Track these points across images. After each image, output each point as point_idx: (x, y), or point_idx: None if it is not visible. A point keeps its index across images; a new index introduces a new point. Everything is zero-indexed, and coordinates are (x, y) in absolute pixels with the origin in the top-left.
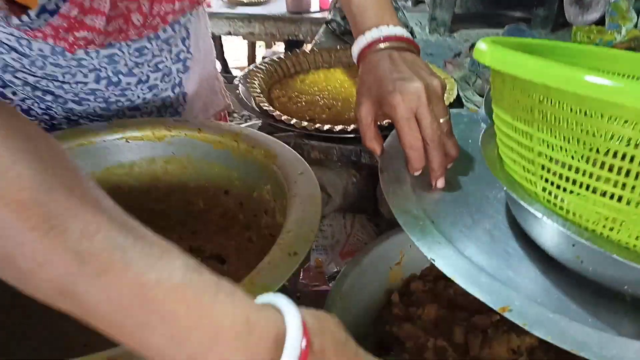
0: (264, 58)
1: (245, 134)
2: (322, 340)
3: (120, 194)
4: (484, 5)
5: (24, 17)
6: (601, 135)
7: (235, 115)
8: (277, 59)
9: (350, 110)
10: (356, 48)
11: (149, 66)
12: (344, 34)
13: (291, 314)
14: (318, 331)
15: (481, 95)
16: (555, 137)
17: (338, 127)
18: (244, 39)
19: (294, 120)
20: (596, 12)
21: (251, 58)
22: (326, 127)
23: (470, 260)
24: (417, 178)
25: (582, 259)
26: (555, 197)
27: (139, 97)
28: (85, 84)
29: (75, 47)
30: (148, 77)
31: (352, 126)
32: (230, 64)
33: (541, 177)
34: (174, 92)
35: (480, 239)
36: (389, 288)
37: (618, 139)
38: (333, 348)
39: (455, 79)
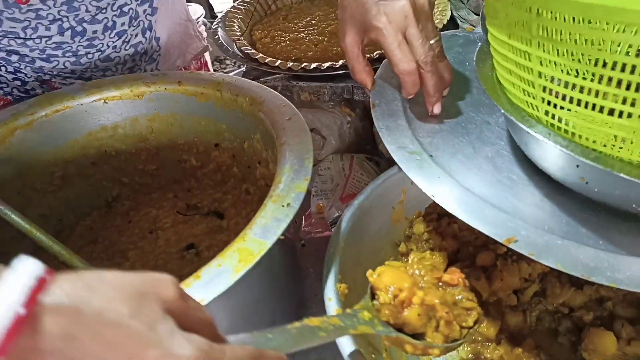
0: None
1: (228, 82)
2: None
3: (108, 157)
4: None
5: None
6: (607, 48)
7: (227, 62)
8: None
9: (338, 44)
10: None
11: (112, 10)
12: None
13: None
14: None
15: (477, 14)
16: (557, 54)
17: (325, 65)
18: None
19: (278, 62)
20: None
21: None
22: (313, 65)
23: (472, 192)
24: (412, 109)
25: (588, 180)
26: (560, 119)
27: (108, 45)
28: (50, 37)
29: None
30: (114, 22)
31: (341, 62)
32: (217, 8)
33: (543, 100)
34: (145, 37)
35: (482, 168)
36: (393, 230)
37: (627, 49)
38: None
39: None
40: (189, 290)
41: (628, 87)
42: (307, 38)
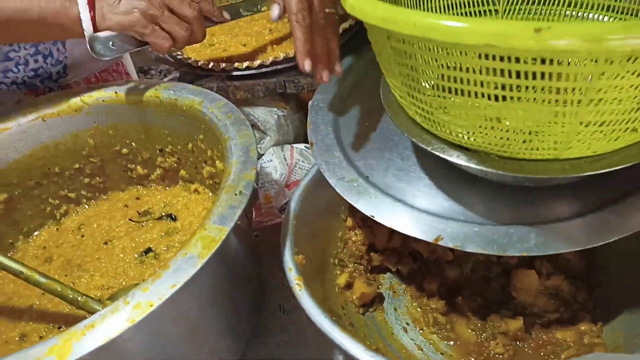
0: None
1: (165, 87)
2: None
3: (52, 175)
4: None
5: None
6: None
7: (152, 72)
8: None
9: (265, 42)
10: None
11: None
12: None
13: None
14: None
15: None
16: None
17: (257, 62)
18: None
19: (211, 64)
20: None
21: None
22: (245, 64)
23: (405, 203)
24: (345, 139)
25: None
26: (457, 134)
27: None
28: None
29: None
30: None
31: (271, 58)
32: None
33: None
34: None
35: (410, 176)
36: (340, 204)
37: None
38: None
39: None
40: (160, 281)
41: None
42: (235, 39)
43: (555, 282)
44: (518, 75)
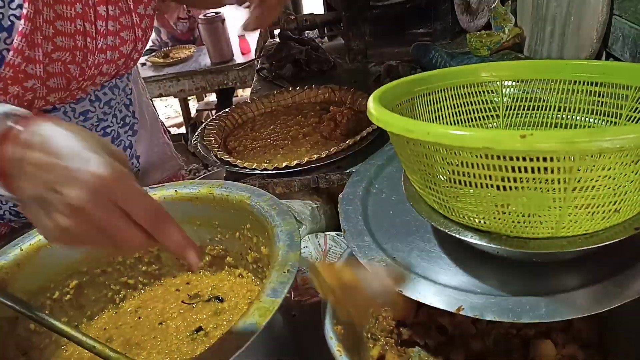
0: (197, 111)
1: (218, 184)
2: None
3: (116, 264)
4: (391, 29)
5: None
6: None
7: (199, 174)
8: (224, 114)
9: (300, 145)
10: None
11: (96, 130)
12: (275, 78)
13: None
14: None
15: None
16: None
17: (294, 162)
18: (175, 97)
19: (255, 165)
20: (483, 18)
21: (185, 113)
22: (284, 164)
23: (428, 279)
24: (374, 226)
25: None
26: (469, 218)
27: None
28: None
29: (24, 101)
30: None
31: (306, 159)
32: (166, 123)
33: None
34: (124, 152)
35: (432, 256)
36: None
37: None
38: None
39: None
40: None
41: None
42: (274, 143)
43: (570, 350)
44: (513, 170)
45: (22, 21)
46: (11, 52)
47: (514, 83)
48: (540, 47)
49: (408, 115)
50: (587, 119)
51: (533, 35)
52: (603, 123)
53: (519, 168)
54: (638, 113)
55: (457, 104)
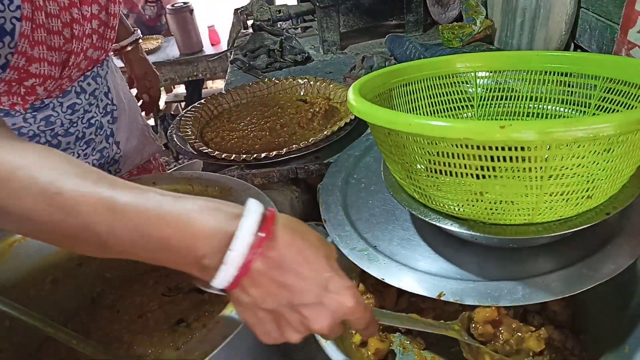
0: (166, 103)
1: (197, 177)
2: (288, 233)
3: (88, 258)
4: (364, 20)
5: None
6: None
7: (165, 158)
8: (199, 105)
9: (278, 136)
10: None
11: (82, 122)
12: (249, 69)
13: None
14: (287, 226)
15: None
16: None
17: (273, 153)
18: None
19: (233, 156)
20: (455, 10)
21: None
22: (263, 154)
23: (409, 267)
24: (354, 215)
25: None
26: (448, 206)
27: (79, 154)
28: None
29: (27, 99)
30: (84, 133)
31: (285, 150)
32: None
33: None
34: (108, 142)
35: (412, 243)
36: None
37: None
38: (300, 244)
39: None
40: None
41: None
42: (252, 134)
43: (547, 332)
44: (492, 159)
45: (23, 22)
46: (15, 56)
47: (487, 74)
48: (510, 39)
49: (386, 106)
50: (558, 108)
51: (503, 27)
52: (573, 112)
53: (497, 157)
54: (606, 102)
55: (432, 94)
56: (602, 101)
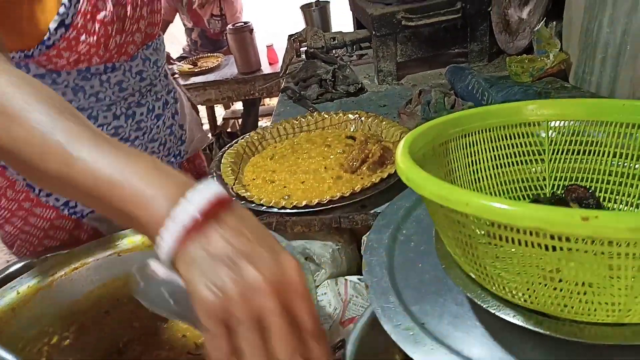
0: (224, 119)
1: None
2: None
3: (121, 305)
4: (423, 50)
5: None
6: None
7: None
8: (242, 140)
9: (322, 180)
10: None
11: (150, 95)
12: (299, 99)
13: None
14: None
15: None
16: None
17: (315, 201)
18: (202, 105)
19: (272, 202)
20: (525, 39)
21: (211, 120)
22: (303, 202)
23: (461, 356)
24: (401, 282)
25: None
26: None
27: (151, 129)
28: (109, 124)
29: (89, 56)
30: (154, 106)
31: (327, 198)
32: None
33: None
34: (174, 120)
35: (466, 324)
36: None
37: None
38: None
39: (411, 130)
40: None
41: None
42: (294, 176)
43: None
44: (570, 250)
45: None
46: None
47: (562, 123)
48: (589, 76)
49: (442, 162)
50: None
51: (581, 63)
52: None
53: (577, 249)
54: None
55: (496, 146)
56: None
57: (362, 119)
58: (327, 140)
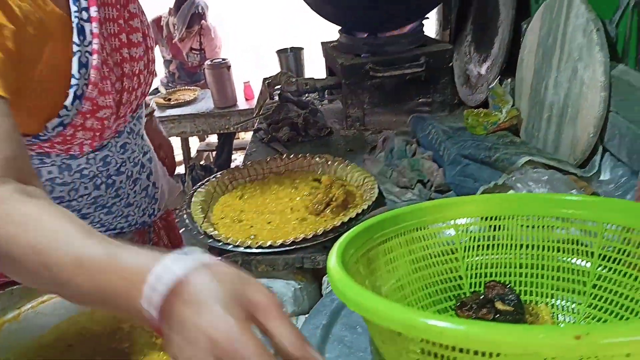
0: (198, 151)
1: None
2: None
3: (85, 339)
4: (389, 98)
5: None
6: None
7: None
8: (214, 179)
9: (288, 222)
10: None
11: (130, 162)
12: (271, 141)
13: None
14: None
15: (399, 186)
16: None
17: (279, 242)
18: (176, 137)
19: (238, 241)
20: (482, 94)
21: (186, 152)
22: (268, 243)
23: None
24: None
25: None
26: None
27: (128, 194)
28: (89, 194)
29: (94, 140)
30: (132, 171)
31: (291, 239)
32: None
33: None
34: (149, 181)
35: None
36: None
37: None
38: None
39: (374, 175)
40: None
41: None
42: (261, 217)
43: None
44: None
45: (95, 56)
46: (90, 86)
47: (469, 220)
48: (537, 132)
49: (367, 271)
50: (565, 258)
51: (530, 120)
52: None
53: None
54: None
55: (411, 250)
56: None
57: (329, 162)
58: (294, 182)
